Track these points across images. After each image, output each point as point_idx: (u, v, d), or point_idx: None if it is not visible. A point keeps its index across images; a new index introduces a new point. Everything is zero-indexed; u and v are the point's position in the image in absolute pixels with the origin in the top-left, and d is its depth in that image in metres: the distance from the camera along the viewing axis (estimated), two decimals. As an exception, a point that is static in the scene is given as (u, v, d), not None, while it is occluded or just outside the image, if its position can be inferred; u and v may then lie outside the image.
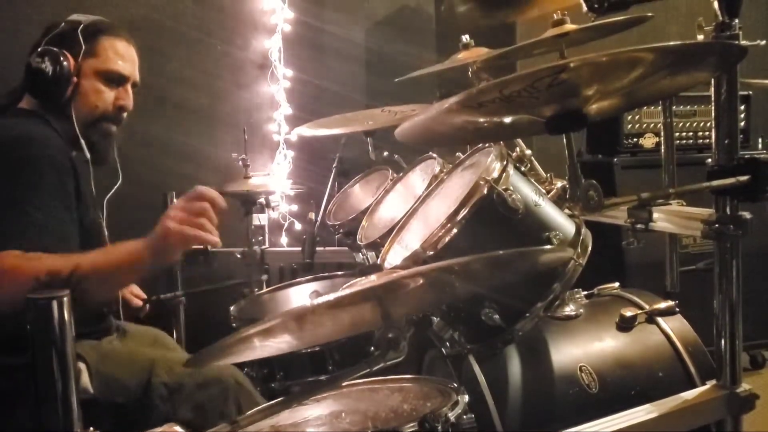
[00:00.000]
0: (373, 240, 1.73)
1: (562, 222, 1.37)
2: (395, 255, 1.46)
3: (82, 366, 1.56)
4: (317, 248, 2.36)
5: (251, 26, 3.47)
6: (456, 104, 1.08)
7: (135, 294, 2.03)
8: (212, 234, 1.39)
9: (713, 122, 1.27)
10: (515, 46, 1.98)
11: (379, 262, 1.49)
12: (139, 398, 1.60)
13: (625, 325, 1.53)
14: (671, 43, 1.00)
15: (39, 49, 1.66)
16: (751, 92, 3.00)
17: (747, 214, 1.25)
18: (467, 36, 2.20)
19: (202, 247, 2.20)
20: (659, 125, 1.98)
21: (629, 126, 2.99)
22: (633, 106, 2.45)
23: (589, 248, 1.38)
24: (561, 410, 1.42)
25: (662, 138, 1.59)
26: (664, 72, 1.13)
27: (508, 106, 1.11)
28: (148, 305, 2.03)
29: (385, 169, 2.21)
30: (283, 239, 3.48)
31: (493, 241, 1.31)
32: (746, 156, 1.24)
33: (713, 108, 1.27)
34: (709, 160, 1.28)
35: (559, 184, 1.57)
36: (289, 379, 1.72)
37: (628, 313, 1.53)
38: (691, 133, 3.03)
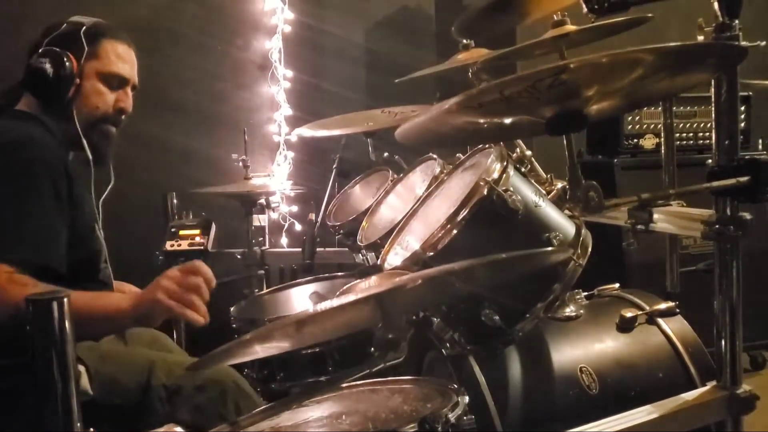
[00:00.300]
0: (373, 241, 1.73)
1: (563, 223, 1.37)
2: (395, 256, 1.46)
3: (81, 368, 1.56)
4: (317, 249, 2.36)
5: (251, 27, 3.47)
6: (456, 105, 1.08)
7: None
8: (200, 312, 1.40)
9: (713, 123, 1.27)
10: (515, 47, 1.98)
11: (379, 262, 1.49)
12: (138, 400, 1.61)
13: (626, 326, 1.53)
14: (671, 44, 0.99)
15: (41, 50, 1.66)
16: (751, 93, 3.00)
17: (747, 215, 1.25)
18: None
19: (201, 248, 2.23)
20: (659, 126, 1.98)
21: (629, 127, 2.99)
22: (633, 107, 2.45)
23: (590, 249, 1.38)
24: (561, 411, 1.42)
25: (662, 139, 1.59)
26: (664, 73, 1.13)
27: (508, 107, 1.11)
28: None
29: (385, 169, 2.21)
30: (284, 240, 3.48)
31: (494, 242, 1.31)
32: (746, 157, 1.24)
33: (713, 109, 1.27)
34: (710, 161, 1.28)
35: (559, 184, 1.57)
36: (290, 380, 1.71)
37: (629, 313, 1.53)
38: (691, 134, 3.03)
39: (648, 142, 3.00)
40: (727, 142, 1.26)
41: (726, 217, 1.25)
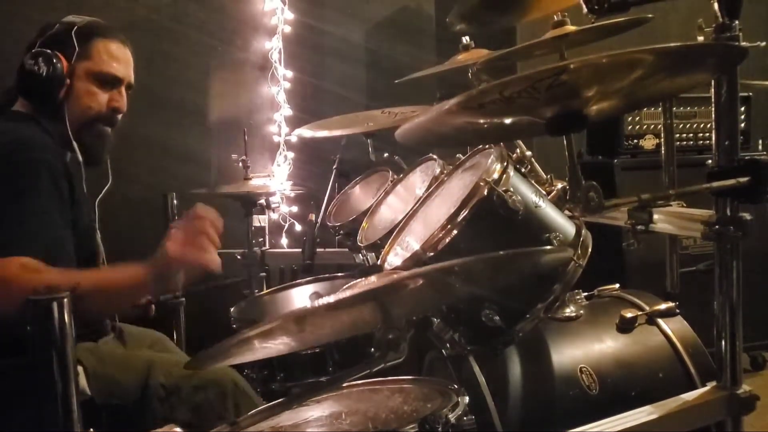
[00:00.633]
0: (373, 241, 1.73)
1: (563, 223, 1.37)
2: (395, 256, 1.46)
3: (79, 368, 1.56)
4: (317, 249, 2.36)
5: (251, 27, 3.47)
6: (456, 105, 1.08)
7: None
8: (213, 255, 1.39)
9: (713, 123, 1.27)
10: (515, 48, 1.98)
11: (379, 263, 1.49)
12: (136, 400, 1.61)
13: (626, 327, 1.53)
14: (671, 44, 1.00)
15: (32, 51, 1.65)
16: (751, 93, 3.00)
17: (747, 216, 1.25)
18: (467, 37, 2.20)
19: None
20: (659, 126, 1.98)
21: (629, 127, 2.99)
22: (633, 108, 2.45)
23: (590, 249, 1.38)
24: (561, 411, 1.42)
25: (662, 139, 1.59)
26: (664, 73, 1.13)
27: (508, 108, 1.11)
28: (153, 306, 2.03)
29: (385, 170, 2.21)
30: (284, 240, 3.48)
31: (494, 242, 1.31)
32: (746, 157, 1.24)
33: (713, 109, 1.27)
34: (710, 161, 1.28)
35: (559, 185, 1.58)
36: (290, 380, 1.71)
37: (629, 314, 1.53)
38: (691, 135, 3.03)
39: (648, 143, 3.00)
40: (727, 143, 1.26)
41: (726, 217, 1.25)
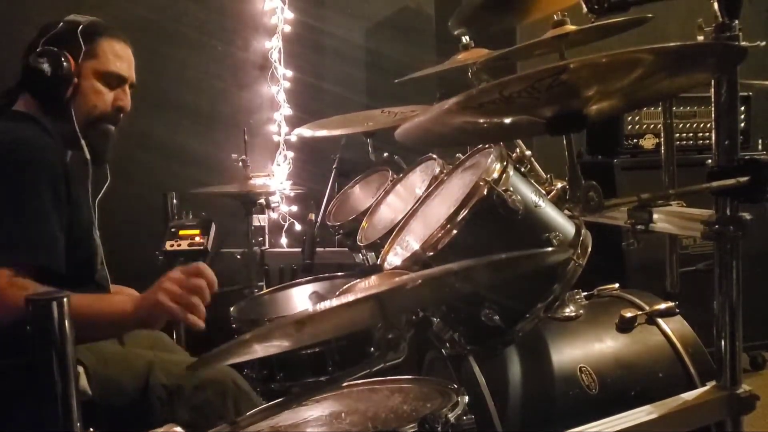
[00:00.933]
0: (373, 241, 1.73)
1: (562, 223, 1.37)
2: (395, 256, 1.46)
3: (79, 368, 1.56)
4: (317, 249, 2.36)
5: (251, 27, 3.48)
6: (456, 105, 1.07)
7: None
8: (200, 316, 1.40)
9: (713, 123, 1.27)
10: (515, 47, 1.98)
11: (379, 262, 1.49)
12: (137, 400, 1.61)
13: (625, 326, 1.53)
14: (671, 44, 0.99)
15: (39, 50, 1.65)
16: (751, 93, 3.00)
17: (747, 215, 1.25)
18: (467, 37, 2.20)
19: (201, 248, 2.22)
20: (659, 126, 1.98)
21: (629, 127, 2.99)
22: (633, 107, 2.45)
23: (589, 249, 1.38)
24: (561, 411, 1.42)
25: (662, 139, 1.59)
26: (664, 73, 1.13)
27: (508, 107, 1.11)
28: None
29: (385, 169, 2.21)
30: (283, 240, 3.48)
31: (493, 242, 1.31)
32: (746, 157, 1.24)
33: (713, 109, 1.27)
34: (710, 161, 1.28)
35: (559, 185, 1.57)
36: (289, 379, 1.71)
37: (628, 314, 1.53)
38: (691, 134, 3.03)
39: (648, 142, 3.00)
40: (726, 142, 1.25)
41: (726, 217, 1.25)
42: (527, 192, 1.36)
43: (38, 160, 1.53)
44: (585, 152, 3.17)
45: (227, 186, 2.85)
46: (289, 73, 3.50)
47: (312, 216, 2.38)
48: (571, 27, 1.74)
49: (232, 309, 1.93)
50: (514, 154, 1.71)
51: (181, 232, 2.75)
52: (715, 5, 1.20)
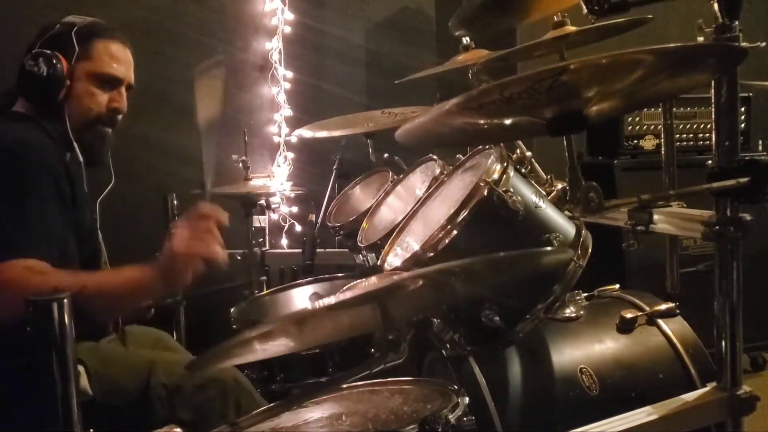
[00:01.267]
0: (373, 242, 1.73)
1: (563, 224, 1.37)
2: (395, 257, 1.46)
3: (80, 368, 1.56)
4: (317, 250, 2.36)
5: (252, 28, 3.48)
6: (456, 106, 1.08)
7: None
8: (219, 251, 1.39)
9: (713, 124, 1.27)
10: (515, 48, 1.98)
11: (379, 263, 1.49)
12: (138, 400, 1.61)
13: (626, 327, 1.53)
14: (671, 44, 1.00)
15: (33, 52, 1.65)
16: (751, 94, 3.00)
17: (747, 216, 1.25)
18: (467, 38, 2.20)
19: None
20: (659, 127, 1.98)
21: (629, 128, 2.99)
22: (633, 108, 2.45)
23: (590, 250, 1.38)
24: (561, 412, 1.42)
25: (662, 140, 1.59)
26: (664, 74, 1.13)
27: (508, 108, 1.11)
28: (152, 309, 2.03)
29: (385, 170, 2.21)
30: (284, 241, 3.48)
31: (494, 243, 1.31)
32: (746, 158, 1.24)
33: (713, 110, 1.27)
34: (710, 161, 1.28)
35: (559, 185, 1.57)
36: (290, 381, 1.71)
37: (629, 314, 1.53)
38: (691, 135, 3.03)
39: (648, 143, 3.00)
40: (727, 143, 1.25)
41: (726, 218, 1.25)
42: (527, 193, 1.36)
43: (39, 160, 1.53)
44: (585, 153, 3.17)
45: (227, 187, 2.85)
46: (290, 74, 3.50)
47: (312, 217, 2.38)
48: (571, 28, 1.74)
49: (232, 310, 1.93)
50: (515, 155, 1.71)
51: (182, 233, 2.75)
52: (716, 6, 1.20)
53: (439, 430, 1.00)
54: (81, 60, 1.68)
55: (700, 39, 1.29)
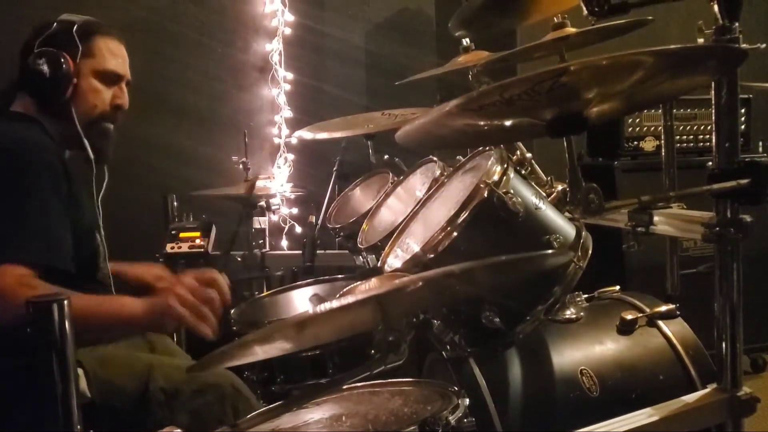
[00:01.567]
0: (373, 243, 1.73)
1: (563, 225, 1.37)
2: (395, 258, 1.46)
3: (79, 371, 1.55)
4: (318, 251, 2.36)
5: (252, 29, 3.48)
6: (456, 107, 1.07)
7: None
8: (211, 326, 1.39)
9: (713, 125, 1.27)
10: (516, 50, 1.98)
11: (379, 265, 1.49)
12: (136, 403, 1.60)
13: (626, 329, 1.53)
14: (671, 46, 1.00)
15: (36, 51, 1.65)
16: (751, 95, 3.00)
17: (747, 218, 1.25)
18: (467, 39, 2.20)
19: (201, 250, 2.20)
20: (660, 128, 1.99)
21: (630, 129, 2.99)
22: (633, 110, 2.45)
23: (590, 251, 1.38)
24: (562, 413, 1.42)
25: (663, 141, 1.59)
26: (664, 75, 1.13)
27: (508, 110, 1.11)
28: None
29: (385, 172, 2.21)
30: (284, 242, 3.48)
31: (494, 244, 1.31)
32: (746, 159, 1.24)
33: (713, 111, 1.27)
34: (710, 163, 1.28)
35: (559, 187, 1.57)
36: (290, 382, 1.71)
37: (629, 316, 1.53)
38: (691, 137, 3.03)
39: (648, 145, 3.00)
40: (727, 145, 1.25)
41: (726, 219, 1.25)
42: (528, 194, 1.36)
43: (38, 160, 1.53)
44: (585, 154, 3.17)
45: (227, 188, 2.85)
46: (290, 76, 3.50)
47: (312, 218, 2.38)
48: (571, 29, 1.74)
49: (232, 311, 1.93)
50: (515, 157, 1.71)
51: (182, 235, 2.75)
52: (716, 7, 1.21)
53: (440, 431, 1.00)
54: (85, 57, 1.69)
55: (701, 40, 1.29)
